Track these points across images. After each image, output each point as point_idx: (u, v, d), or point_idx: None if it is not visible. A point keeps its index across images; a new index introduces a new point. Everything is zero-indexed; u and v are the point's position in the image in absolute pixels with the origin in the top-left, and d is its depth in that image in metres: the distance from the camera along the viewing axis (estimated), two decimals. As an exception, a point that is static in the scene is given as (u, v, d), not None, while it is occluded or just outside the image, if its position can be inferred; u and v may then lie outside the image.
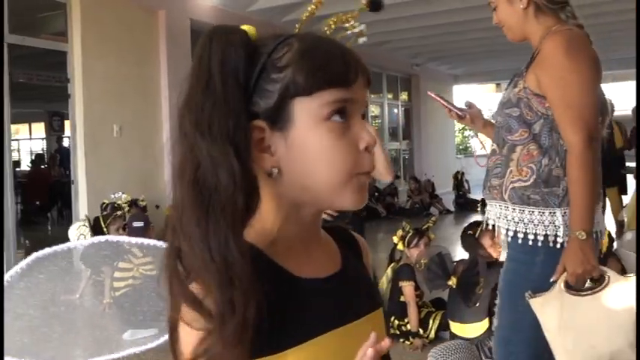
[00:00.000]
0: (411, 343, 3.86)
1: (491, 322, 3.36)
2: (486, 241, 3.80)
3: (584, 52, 1.80)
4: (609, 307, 1.76)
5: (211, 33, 0.76)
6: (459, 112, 2.20)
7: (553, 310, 1.78)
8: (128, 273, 4.14)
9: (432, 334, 3.90)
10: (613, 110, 6.98)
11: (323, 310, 0.78)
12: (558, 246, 1.81)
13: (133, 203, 5.69)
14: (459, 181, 11.82)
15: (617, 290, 1.76)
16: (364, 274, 0.91)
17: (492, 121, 2.14)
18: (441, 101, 2.24)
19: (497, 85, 25.35)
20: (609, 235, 3.71)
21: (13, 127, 18.68)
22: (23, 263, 1.99)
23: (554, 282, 1.78)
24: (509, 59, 13.49)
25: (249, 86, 0.75)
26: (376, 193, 10.79)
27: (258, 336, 0.69)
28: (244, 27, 0.78)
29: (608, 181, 6.67)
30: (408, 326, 3.90)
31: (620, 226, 6.15)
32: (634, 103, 6.96)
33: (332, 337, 0.77)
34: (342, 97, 0.75)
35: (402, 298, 3.95)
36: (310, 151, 0.74)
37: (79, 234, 5.09)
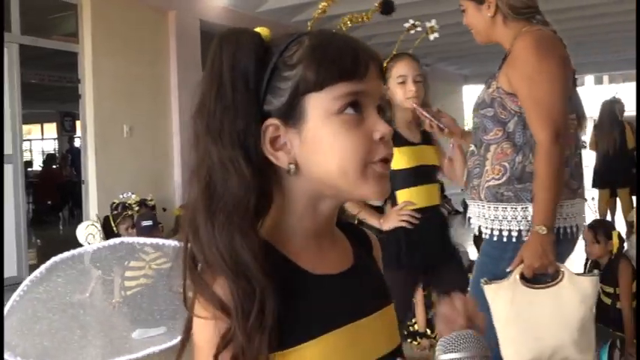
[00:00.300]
0: (419, 343, 3.85)
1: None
2: None
3: (553, 51, 1.83)
4: (559, 303, 1.79)
5: (222, 37, 0.78)
6: (440, 125, 2.24)
7: (505, 300, 1.83)
8: (140, 272, 4.16)
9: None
10: (623, 111, 6.95)
11: (335, 306, 0.79)
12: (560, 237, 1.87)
13: (141, 203, 5.72)
14: (468, 181, 11.76)
15: (569, 287, 1.80)
16: (375, 270, 0.92)
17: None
18: (424, 113, 2.27)
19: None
20: (619, 235, 3.68)
21: (26, 127, 18.97)
22: (43, 268, 2.03)
23: (511, 272, 1.83)
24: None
25: (262, 87, 0.76)
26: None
27: (274, 330, 0.71)
28: (258, 29, 0.79)
29: (620, 182, 6.63)
30: (416, 326, 3.89)
31: (630, 226, 6.11)
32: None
33: (344, 333, 0.78)
34: (354, 89, 0.75)
35: (410, 299, 3.94)
36: (323, 144, 0.75)
37: (87, 233, 5.12)
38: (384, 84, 0.80)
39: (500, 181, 1.88)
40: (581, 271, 3.76)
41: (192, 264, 0.74)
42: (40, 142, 19.27)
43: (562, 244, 1.87)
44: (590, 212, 6.14)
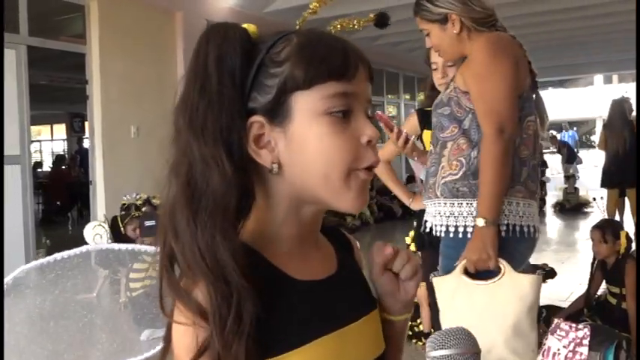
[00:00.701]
0: (424, 343, 3.83)
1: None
2: None
3: (505, 51, 1.85)
4: (494, 301, 1.77)
5: (209, 31, 0.75)
6: (408, 138, 2.31)
7: (446, 293, 1.85)
8: (143, 274, 4.17)
9: (445, 335, 3.86)
10: (631, 110, 6.89)
11: (319, 313, 0.76)
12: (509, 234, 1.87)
13: (147, 201, 5.74)
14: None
15: (507, 285, 1.78)
16: (359, 274, 0.89)
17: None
18: (390, 124, 2.31)
19: (517, 84, 25.25)
20: (627, 236, 3.66)
21: (36, 128, 19.14)
22: (9, 279, 1.96)
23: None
24: (533, 57, 13.39)
25: (247, 83, 0.74)
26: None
27: (254, 339, 0.68)
28: (245, 25, 0.77)
29: (629, 182, 6.58)
30: (421, 327, 3.88)
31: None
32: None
33: (329, 341, 0.76)
34: (343, 90, 0.73)
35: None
36: (309, 145, 0.73)
37: (94, 234, 5.15)
38: (371, 84, 0.77)
39: (456, 176, 1.89)
40: (589, 271, 3.75)
41: (168, 267, 0.72)
42: (49, 143, 19.39)
43: (521, 243, 1.87)
44: (599, 212, 6.11)
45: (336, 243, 0.87)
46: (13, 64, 5.83)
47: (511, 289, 1.76)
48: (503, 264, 1.80)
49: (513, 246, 1.85)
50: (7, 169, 5.78)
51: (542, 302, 3.87)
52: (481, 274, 1.82)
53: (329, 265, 0.83)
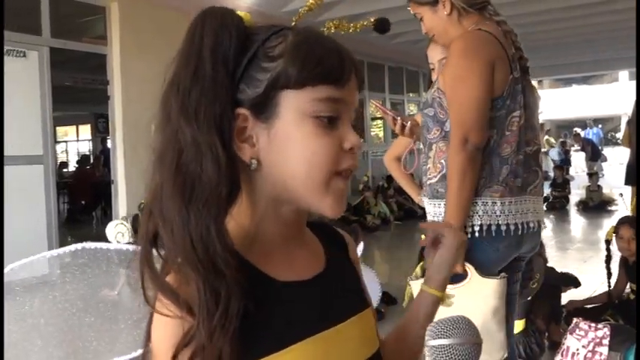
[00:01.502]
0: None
1: (527, 323, 3.31)
2: None
3: (477, 54, 1.81)
4: (460, 304, 1.74)
5: (204, 14, 0.73)
6: (404, 123, 2.25)
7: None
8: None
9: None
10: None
11: (304, 314, 0.74)
12: (483, 234, 1.87)
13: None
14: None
15: (472, 289, 1.77)
16: (351, 273, 0.87)
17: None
18: (385, 110, 2.28)
19: (539, 82, 24.83)
20: (640, 237, 3.58)
21: (62, 129, 19.40)
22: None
23: None
24: (547, 55, 13.22)
25: (237, 73, 0.72)
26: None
27: (239, 336, 0.67)
28: (239, 13, 0.76)
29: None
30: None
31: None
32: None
33: (316, 342, 0.74)
34: (334, 95, 0.72)
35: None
36: (292, 144, 0.72)
37: (116, 232, 5.20)
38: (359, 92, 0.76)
39: (436, 179, 1.93)
40: (605, 270, 3.68)
41: (150, 258, 0.69)
42: (75, 143, 19.66)
43: (499, 241, 1.85)
44: (624, 209, 6.00)
45: (326, 241, 0.85)
46: (36, 66, 5.92)
47: (476, 292, 1.77)
48: (470, 268, 1.81)
49: (490, 245, 1.84)
50: (30, 168, 5.88)
51: (564, 302, 3.84)
52: (452, 278, 1.81)
53: (316, 264, 0.81)
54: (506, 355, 1.89)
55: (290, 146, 0.72)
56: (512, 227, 1.85)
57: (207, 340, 0.65)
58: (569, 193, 11.48)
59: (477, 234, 1.84)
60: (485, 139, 1.81)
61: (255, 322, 0.70)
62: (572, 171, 15.81)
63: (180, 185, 0.68)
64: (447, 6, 1.90)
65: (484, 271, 1.81)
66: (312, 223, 0.85)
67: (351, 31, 3.05)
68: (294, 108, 0.72)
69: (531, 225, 1.89)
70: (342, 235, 0.91)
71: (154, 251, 0.71)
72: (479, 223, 1.84)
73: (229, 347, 0.66)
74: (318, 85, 0.71)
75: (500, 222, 1.84)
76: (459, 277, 1.80)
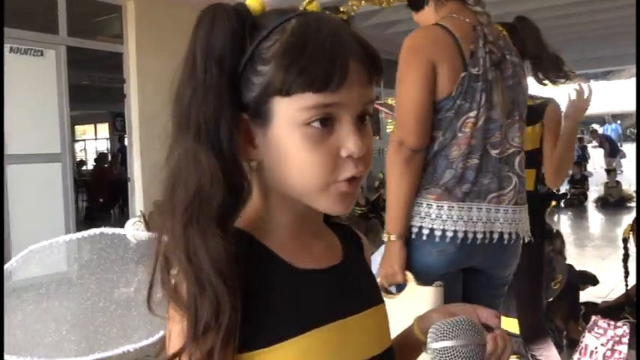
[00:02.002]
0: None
1: (545, 323, 3.28)
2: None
3: (421, 53, 1.74)
4: (400, 313, 1.71)
5: (202, 14, 0.70)
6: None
7: None
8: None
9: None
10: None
11: (319, 302, 0.74)
12: (413, 236, 1.80)
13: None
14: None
15: (408, 298, 1.73)
16: (366, 269, 0.87)
17: None
18: (384, 110, 2.22)
19: (557, 77, 24.60)
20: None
21: (80, 128, 19.56)
22: (18, 257, 1.94)
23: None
24: (569, 51, 13.07)
25: (237, 74, 0.69)
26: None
27: (249, 329, 0.67)
28: (249, 1, 0.72)
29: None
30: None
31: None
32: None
33: (327, 332, 0.73)
34: (324, 102, 0.67)
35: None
36: (285, 153, 0.69)
37: (135, 229, 5.24)
38: (374, 87, 0.73)
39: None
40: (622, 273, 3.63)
41: (163, 263, 0.69)
42: (93, 141, 19.81)
43: (436, 246, 1.75)
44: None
45: (344, 237, 0.84)
46: (53, 65, 5.98)
47: (412, 301, 1.71)
48: (409, 277, 1.76)
49: (424, 247, 1.76)
50: (47, 167, 5.94)
51: (582, 299, 3.80)
52: (397, 286, 1.79)
53: (333, 256, 0.80)
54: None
55: (282, 154, 0.70)
56: (448, 234, 1.72)
57: (193, 346, 0.65)
58: (588, 189, 11.37)
59: (413, 235, 1.77)
60: (424, 142, 1.74)
61: (270, 308, 0.69)
62: (590, 167, 15.65)
63: (171, 193, 0.68)
64: None
65: (422, 277, 1.74)
66: (330, 221, 0.84)
67: (384, 5, 2.98)
68: (285, 116, 0.68)
69: (479, 236, 1.74)
70: (358, 235, 0.90)
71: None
72: (412, 224, 1.77)
73: (220, 353, 0.65)
74: (305, 93, 0.67)
75: (434, 226, 1.74)
76: (400, 287, 1.78)
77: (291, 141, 0.69)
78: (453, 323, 0.74)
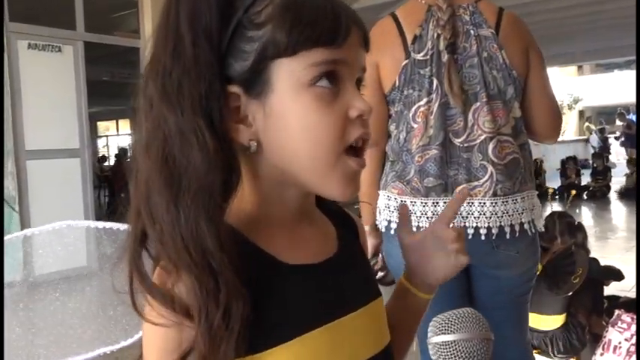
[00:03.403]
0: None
1: (568, 317, 3.22)
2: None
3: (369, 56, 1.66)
4: None
5: None
6: None
7: None
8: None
9: (499, 326, 3.75)
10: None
11: (314, 301, 0.69)
12: (379, 227, 1.77)
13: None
14: (536, 168, 11.41)
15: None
16: (362, 259, 0.82)
17: None
18: None
19: (579, 67, 24.18)
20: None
21: (102, 124, 19.74)
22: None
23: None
24: (590, 40, 12.85)
25: (222, 46, 0.64)
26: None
27: (244, 337, 0.62)
28: None
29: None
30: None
31: None
32: None
33: (325, 333, 0.68)
34: (331, 57, 0.65)
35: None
36: (292, 121, 0.65)
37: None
38: (366, 52, 0.70)
39: None
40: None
41: (137, 259, 0.63)
42: (115, 137, 19.99)
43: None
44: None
45: (339, 224, 0.79)
46: (71, 60, 6.01)
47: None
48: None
49: (391, 242, 1.69)
50: (67, 162, 5.98)
51: (605, 293, 3.73)
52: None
53: (327, 248, 0.75)
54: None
55: (289, 122, 0.65)
56: (412, 229, 1.56)
57: (208, 348, 0.60)
58: (610, 181, 11.19)
59: (383, 229, 1.73)
60: (375, 136, 1.51)
61: (260, 311, 0.64)
62: (613, 159, 15.41)
63: (167, 178, 0.61)
64: None
65: (394, 272, 1.72)
66: (323, 202, 0.79)
67: None
68: (289, 79, 0.64)
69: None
70: (352, 219, 0.84)
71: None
72: (382, 217, 1.72)
73: (234, 351, 0.61)
74: (312, 49, 0.64)
75: (391, 219, 1.68)
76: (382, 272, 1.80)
77: (299, 104, 0.64)
78: (455, 316, 0.68)
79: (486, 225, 1.61)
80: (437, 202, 1.62)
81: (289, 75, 0.64)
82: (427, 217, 1.61)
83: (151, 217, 0.62)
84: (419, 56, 1.64)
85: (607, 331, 2.87)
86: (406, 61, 1.64)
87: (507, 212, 1.62)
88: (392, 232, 1.69)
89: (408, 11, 1.69)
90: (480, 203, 1.61)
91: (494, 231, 1.62)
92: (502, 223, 1.62)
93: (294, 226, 0.72)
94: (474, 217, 1.61)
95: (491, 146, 1.62)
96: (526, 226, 1.65)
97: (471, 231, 1.61)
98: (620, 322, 2.83)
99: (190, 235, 0.60)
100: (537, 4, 9.06)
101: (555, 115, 1.85)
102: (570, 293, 3.38)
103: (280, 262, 0.68)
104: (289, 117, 0.65)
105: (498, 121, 1.64)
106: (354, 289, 0.75)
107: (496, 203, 1.61)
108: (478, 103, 1.63)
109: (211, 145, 0.61)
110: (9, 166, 5.45)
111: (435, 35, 1.63)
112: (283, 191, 0.70)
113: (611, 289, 3.85)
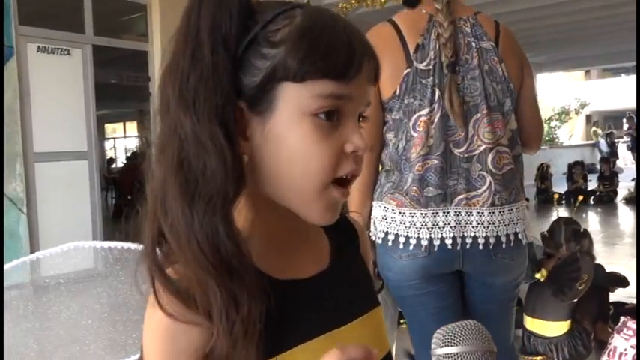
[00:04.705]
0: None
1: (573, 324, 3.22)
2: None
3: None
4: None
5: None
6: None
7: None
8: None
9: (505, 332, 3.75)
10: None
11: (305, 315, 0.69)
12: (374, 239, 1.73)
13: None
14: (543, 172, 11.38)
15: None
16: (360, 268, 0.81)
17: None
18: None
19: (587, 72, 24.10)
20: None
21: (110, 126, 19.78)
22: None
23: None
24: (597, 44, 12.82)
25: (237, 57, 0.65)
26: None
27: (262, 337, 0.62)
28: None
29: None
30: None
31: None
32: None
33: (317, 345, 0.68)
34: (338, 91, 0.64)
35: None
36: (287, 145, 0.64)
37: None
38: (374, 84, 0.70)
39: None
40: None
41: (159, 263, 0.63)
42: (122, 140, 20.06)
43: (396, 250, 1.67)
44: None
45: (335, 232, 0.78)
46: (80, 64, 6.06)
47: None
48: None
49: (397, 253, 1.67)
50: (75, 164, 6.03)
51: (610, 299, 3.72)
52: None
53: (320, 260, 0.75)
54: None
55: (283, 147, 0.65)
56: (412, 241, 1.63)
57: (230, 348, 0.61)
58: (617, 186, 11.16)
59: (379, 240, 1.71)
60: (370, 141, 1.63)
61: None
62: (620, 163, 15.36)
63: (182, 183, 0.61)
64: None
65: (400, 282, 1.70)
66: None
67: (377, 5, 2.98)
68: (293, 104, 0.64)
69: (448, 242, 1.62)
70: (352, 225, 0.83)
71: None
72: (379, 229, 1.71)
73: (256, 353, 0.61)
74: (320, 80, 0.63)
75: (399, 232, 1.65)
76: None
77: (299, 131, 0.64)
78: (458, 327, 0.69)
79: (484, 234, 1.64)
80: (436, 213, 1.63)
81: (293, 100, 0.64)
82: (427, 228, 1.63)
83: (166, 220, 0.63)
84: (421, 65, 1.64)
85: (612, 338, 2.86)
86: (408, 69, 1.64)
87: (504, 222, 1.65)
88: (390, 243, 1.68)
89: (408, 20, 1.70)
90: (479, 213, 1.63)
91: (492, 240, 1.64)
92: (499, 233, 1.65)
93: (286, 240, 0.72)
94: (472, 227, 1.64)
95: (490, 157, 1.64)
96: (520, 235, 1.69)
97: (469, 240, 1.63)
98: (625, 329, 2.82)
99: (206, 238, 0.61)
100: (546, 9, 9.07)
101: (541, 126, 1.93)
102: (575, 299, 3.38)
103: (270, 277, 0.67)
104: (286, 140, 0.65)
105: (497, 132, 1.66)
106: (350, 301, 0.75)
107: (494, 213, 1.64)
108: (478, 115, 1.65)
109: (228, 154, 0.62)
110: (17, 168, 5.50)
111: (438, 46, 1.64)
112: (275, 206, 0.69)
113: (617, 295, 3.84)
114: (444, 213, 1.63)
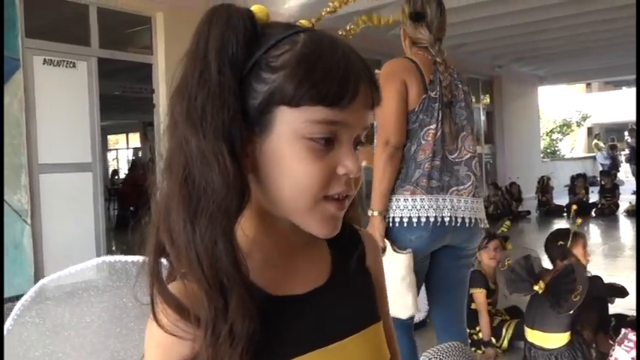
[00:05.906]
0: (483, 352, 3.74)
1: (573, 335, 3.23)
2: (578, 250, 3.59)
3: (390, 78, 2.26)
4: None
5: (212, 13, 0.69)
6: None
7: None
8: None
9: (506, 344, 3.76)
10: None
11: (298, 331, 0.70)
12: (397, 224, 2.29)
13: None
14: (543, 185, 11.40)
15: (386, 261, 1.95)
16: (363, 282, 0.81)
17: None
18: None
19: (588, 85, 24.17)
20: None
21: (113, 137, 19.81)
22: (32, 291, 1.96)
23: None
24: (598, 57, 12.87)
25: (241, 78, 0.67)
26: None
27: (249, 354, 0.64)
28: (254, 8, 0.71)
29: None
30: (480, 334, 3.79)
31: None
32: None
33: (313, 358, 0.69)
34: (332, 118, 0.66)
35: (473, 306, 3.81)
36: (281, 164, 0.67)
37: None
38: (373, 109, 0.73)
39: None
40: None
41: (159, 274, 0.66)
42: (125, 151, 20.13)
43: (412, 230, 2.26)
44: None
45: (339, 245, 0.79)
46: (85, 76, 6.10)
47: (388, 263, 2.06)
48: (387, 244, 2.27)
49: (403, 233, 2.28)
50: (79, 176, 6.05)
51: (612, 311, 3.73)
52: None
53: (319, 275, 0.76)
54: (412, 314, 2.31)
55: (278, 165, 0.67)
56: (422, 219, 2.25)
57: (212, 359, 0.63)
58: (618, 198, 11.16)
59: (396, 224, 2.27)
60: (402, 140, 2.26)
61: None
62: (622, 176, 15.36)
63: (186, 198, 0.64)
64: (403, 34, 2.44)
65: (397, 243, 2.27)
66: None
67: (385, 24, 3.14)
68: (289, 126, 0.66)
69: (446, 220, 2.26)
70: (361, 237, 0.83)
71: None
72: (392, 215, 2.28)
73: None
74: (315, 106, 0.66)
75: (412, 215, 2.26)
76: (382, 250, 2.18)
77: (293, 152, 0.66)
78: (443, 349, 0.74)
79: (469, 216, 2.33)
80: (438, 198, 2.29)
81: (289, 123, 0.66)
82: (433, 209, 2.26)
83: (169, 233, 0.65)
84: (432, 94, 2.30)
85: (614, 350, 2.88)
86: (424, 95, 2.29)
87: (478, 209, 2.37)
88: (405, 225, 2.27)
89: (421, 61, 2.33)
90: (465, 201, 2.33)
91: (473, 220, 2.34)
92: (474, 216, 2.34)
93: (286, 255, 0.74)
94: (462, 210, 2.31)
95: (473, 162, 2.37)
96: (480, 220, 2.39)
97: (459, 220, 2.30)
98: (626, 341, 2.84)
99: (205, 253, 0.63)
100: (548, 23, 9.11)
101: None
102: (572, 311, 3.39)
103: (266, 293, 0.69)
104: (281, 159, 0.67)
105: (474, 145, 2.41)
106: (348, 316, 0.75)
107: (474, 201, 2.35)
108: (464, 132, 2.36)
109: (231, 170, 0.64)
110: (22, 179, 5.53)
111: (440, 81, 2.30)
112: (274, 221, 0.72)
113: (618, 307, 3.85)
114: (442, 199, 2.30)
